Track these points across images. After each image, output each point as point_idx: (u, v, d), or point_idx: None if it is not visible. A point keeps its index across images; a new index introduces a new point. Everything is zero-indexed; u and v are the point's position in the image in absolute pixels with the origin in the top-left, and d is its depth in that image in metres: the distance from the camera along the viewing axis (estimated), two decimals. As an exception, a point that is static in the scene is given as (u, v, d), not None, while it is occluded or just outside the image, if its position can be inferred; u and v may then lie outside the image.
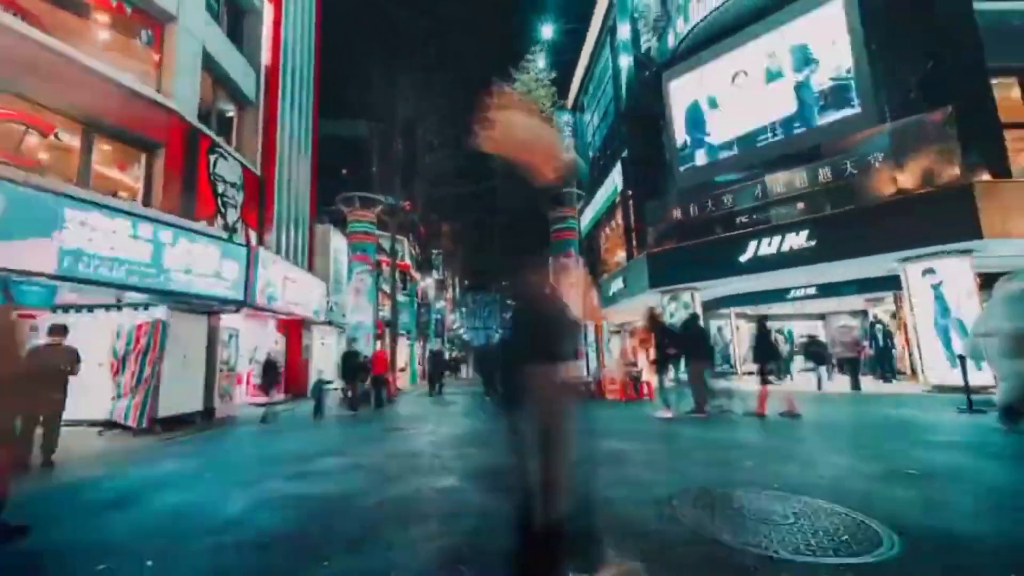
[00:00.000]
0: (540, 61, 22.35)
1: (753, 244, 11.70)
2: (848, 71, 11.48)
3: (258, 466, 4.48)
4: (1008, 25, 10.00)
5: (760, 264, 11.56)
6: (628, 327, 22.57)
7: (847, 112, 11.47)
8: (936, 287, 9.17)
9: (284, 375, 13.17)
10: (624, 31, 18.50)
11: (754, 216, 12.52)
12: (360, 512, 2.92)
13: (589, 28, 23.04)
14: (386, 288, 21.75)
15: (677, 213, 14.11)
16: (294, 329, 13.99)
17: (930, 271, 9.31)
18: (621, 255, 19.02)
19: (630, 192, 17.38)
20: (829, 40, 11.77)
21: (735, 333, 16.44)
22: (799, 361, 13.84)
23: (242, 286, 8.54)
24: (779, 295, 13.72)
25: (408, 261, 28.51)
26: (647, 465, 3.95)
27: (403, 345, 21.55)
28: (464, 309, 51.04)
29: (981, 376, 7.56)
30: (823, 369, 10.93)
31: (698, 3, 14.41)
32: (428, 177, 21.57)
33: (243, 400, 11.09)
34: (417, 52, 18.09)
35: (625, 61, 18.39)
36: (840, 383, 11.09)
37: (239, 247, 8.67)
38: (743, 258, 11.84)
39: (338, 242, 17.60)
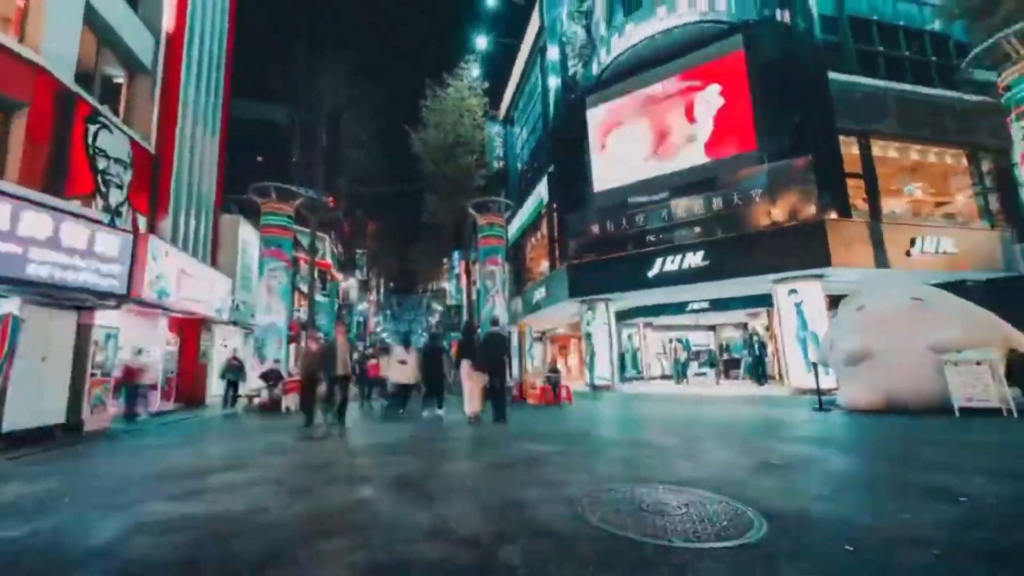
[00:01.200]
0: (474, 70, 22.48)
1: (659, 261, 12.79)
2: (740, 115, 13.03)
3: (138, 486, 3.96)
4: (852, 95, 12.10)
5: (665, 279, 12.66)
6: (550, 334, 23.38)
7: (742, 149, 12.99)
8: (798, 305, 10.74)
9: (176, 381, 11.79)
10: (553, 53, 19.28)
11: (661, 236, 13.67)
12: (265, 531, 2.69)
13: (522, 45, 23.69)
14: (303, 287, 20.35)
15: (596, 228, 14.96)
16: (191, 329, 12.57)
17: (794, 291, 10.88)
18: (545, 264, 19.68)
19: (555, 205, 18.07)
20: (727, 84, 13.26)
21: (643, 341, 17.75)
22: (694, 367, 15.34)
23: (124, 278, 7.47)
24: (679, 308, 15.09)
25: (329, 260, 26.99)
26: (562, 466, 4.13)
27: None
28: (389, 312, 49.09)
29: (829, 380, 8.96)
30: (713, 372, 12.26)
31: (619, 38, 15.48)
32: (354, 173, 20.68)
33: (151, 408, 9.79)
34: (350, 43, 17.39)
35: (553, 82, 19.15)
36: (726, 386, 12.47)
37: (122, 233, 7.58)
38: (651, 273, 12.88)
39: (248, 235, 16.14)
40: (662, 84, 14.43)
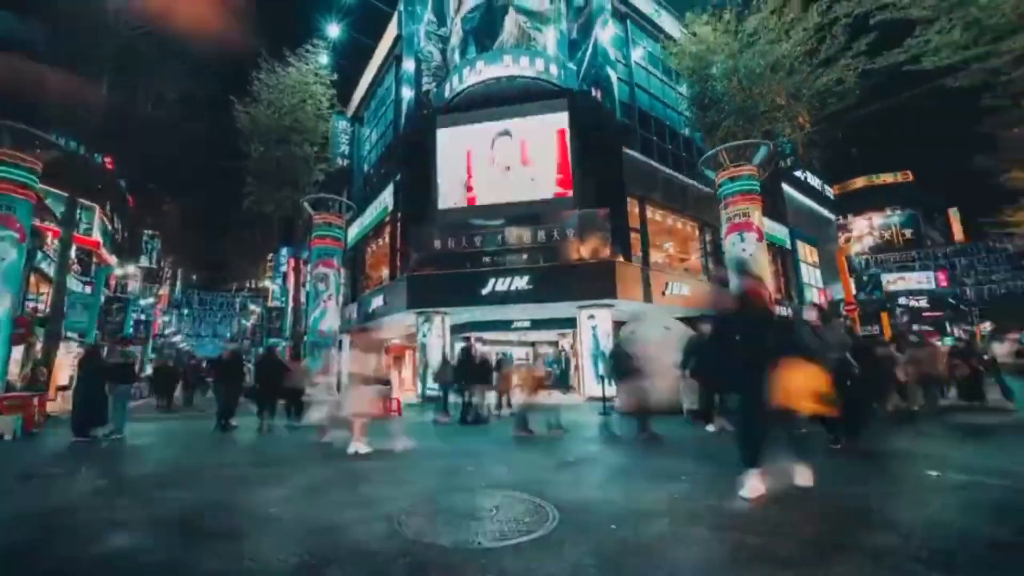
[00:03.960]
0: (323, 58, 20.54)
1: (493, 281, 13.85)
2: (562, 164, 15.16)
3: None
4: (637, 168, 15.51)
5: (496, 298, 13.76)
6: (385, 344, 22.52)
7: (562, 194, 15.07)
8: (594, 328, 13.05)
9: None
10: (409, 65, 19.15)
11: (495, 258, 14.82)
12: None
13: (378, 47, 22.81)
14: (47, 268, 15.19)
15: (438, 243, 15.28)
16: None
17: (591, 316, 13.19)
18: (385, 273, 19.05)
19: (399, 215, 17.77)
20: (554, 136, 15.27)
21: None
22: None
23: None
24: (506, 324, 16.48)
25: (98, 238, 20.60)
26: (385, 482, 4.11)
27: (66, 353, 15.28)
28: (187, 311, 38.82)
29: (611, 390, 11.06)
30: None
31: (471, 71, 16.43)
32: (152, 137, 16.43)
33: None
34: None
35: (407, 92, 18.99)
36: (540, 395, 14.10)
37: None
38: (484, 291, 13.83)
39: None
40: (505, 123, 15.78)
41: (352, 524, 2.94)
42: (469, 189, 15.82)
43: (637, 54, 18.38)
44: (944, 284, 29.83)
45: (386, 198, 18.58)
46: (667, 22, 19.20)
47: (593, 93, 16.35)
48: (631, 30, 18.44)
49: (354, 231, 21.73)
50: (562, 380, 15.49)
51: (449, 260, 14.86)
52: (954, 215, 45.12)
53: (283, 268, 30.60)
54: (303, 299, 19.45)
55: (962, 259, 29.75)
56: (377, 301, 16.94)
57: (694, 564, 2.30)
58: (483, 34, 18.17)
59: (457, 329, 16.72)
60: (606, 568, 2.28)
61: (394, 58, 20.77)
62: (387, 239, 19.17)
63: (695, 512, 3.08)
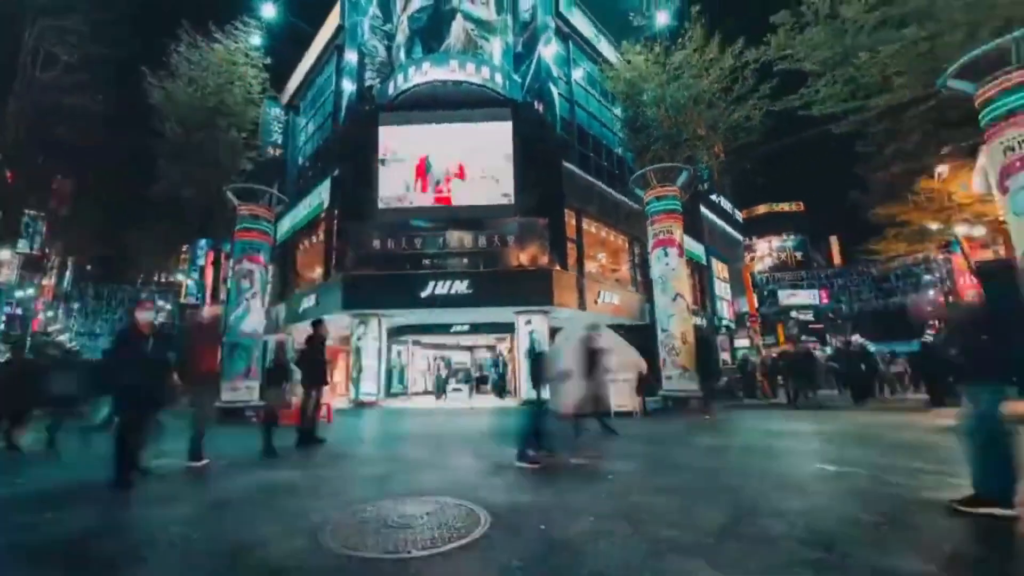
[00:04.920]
0: (255, 39, 18.97)
1: (432, 284, 13.60)
2: (504, 172, 15.35)
3: None
4: (575, 181, 16.14)
5: (435, 301, 13.51)
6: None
7: (504, 201, 15.23)
8: (531, 333, 13.27)
9: None
10: (352, 57, 18.35)
11: (435, 261, 14.59)
12: None
13: (317, 36, 21.57)
14: None
15: (377, 243, 14.73)
16: None
17: (528, 321, 13.43)
18: (318, 272, 17.96)
19: (336, 212, 16.88)
20: (497, 144, 15.39)
21: (411, 358, 18.19)
22: (452, 383, 16.73)
23: None
24: (445, 328, 16.26)
25: (-42, 216, 17.21)
26: (308, 493, 3.89)
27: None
28: (79, 305, 32.71)
29: (545, 393, 11.34)
30: (467, 387, 13.71)
31: (416, 71, 16.14)
32: (43, 103, 14.10)
33: None
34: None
35: (348, 85, 18.17)
36: (477, 399, 14.09)
37: None
38: (423, 294, 13.53)
39: None
40: (450, 126, 15.65)
41: (271, 541, 2.73)
42: (410, 191, 15.45)
43: (577, 74, 19.16)
44: (826, 300, 34.40)
45: (322, 193, 17.57)
46: (605, 47, 20.25)
47: (536, 106, 16.77)
48: (572, 50, 19.19)
49: (285, 226, 20.28)
50: (499, 385, 15.58)
51: (388, 261, 14.37)
52: (834, 242, 52.27)
53: (200, 262, 27.58)
54: (223, 296, 17.70)
55: (839, 280, 34.49)
56: (308, 301, 15.92)
57: (616, 558, 2.43)
58: (430, 36, 17.93)
59: (394, 332, 16.21)
60: (533, 568, 2.34)
61: (335, 48, 19.76)
62: (322, 236, 18.10)
63: (620, 509, 3.25)
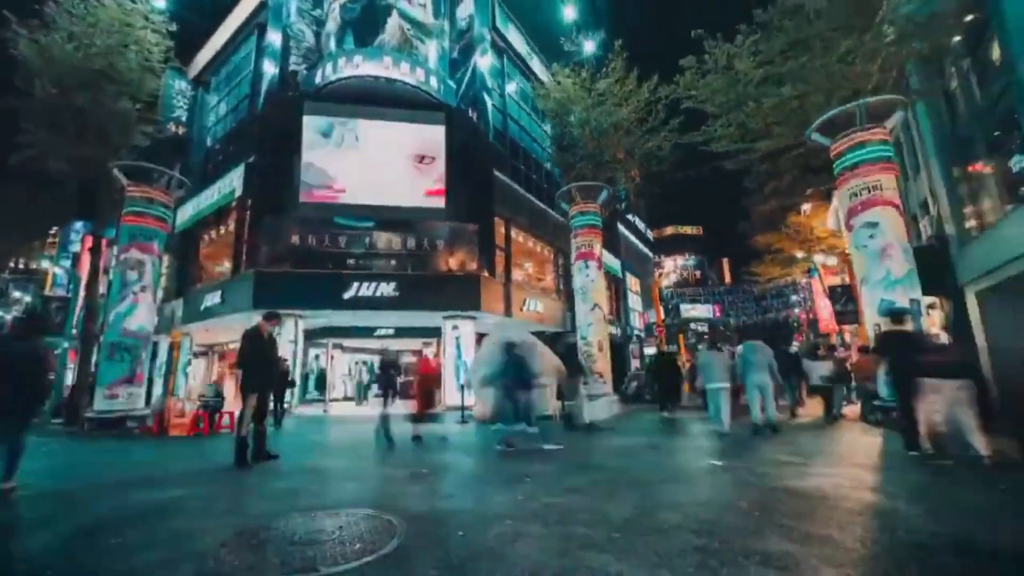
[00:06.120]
0: (159, 1, 16.56)
1: (357, 285, 12.88)
2: (437, 176, 15.11)
3: None
4: (505, 191, 16.41)
5: (360, 303, 12.81)
6: (219, 349, 18.86)
7: (435, 205, 14.94)
8: (457, 338, 13.16)
9: None
10: (275, 38, 16.88)
11: (360, 261, 13.85)
12: None
13: (236, 9, 19.53)
14: None
15: (296, 239, 13.61)
16: None
17: (456, 327, 13.29)
18: (226, 266, 16.07)
19: (250, 202, 15.29)
20: (429, 147, 15.09)
21: (331, 362, 16.96)
22: (375, 388, 15.87)
23: None
24: (369, 331, 15.44)
25: None
26: (203, 512, 3.44)
27: None
28: None
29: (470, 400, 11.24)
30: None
31: (347, 62, 15.33)
32: None
33: None
34: None
35: (270, 68, 16.68)
36: (401, 405, 13.49)
37: None
38: (347, 295, 12.76)
39: None
40: (382, 123, 15.03)
41: (157, 569, 2.39)
42: (336, 185, 14.52)
43: (511, 88, 19.56)
44: (718, 314, 38.87)
45: (234, 180, 15.82)
46: (537, 66, 20.97)
47: (470, 114, 16.79)
48: (507, 65, 19.58)
49: (188, 213, 17.91)
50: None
51: (308, 258, 13.34)
52: (726, 263, 59.44)
53: (74, 247, 23.19)
54: (103, 289, 15.01)
55: (729, 296, 39.25)
56: (213, 298, 14.17)
57: (532, 559, 2.47)
58: (363, 29, 17.13)
59: (313, 335, 15.05)
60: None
61: (257, 26, 18.04)
62: (232, 227, 16.27)
63: (535, 511, 3.32)
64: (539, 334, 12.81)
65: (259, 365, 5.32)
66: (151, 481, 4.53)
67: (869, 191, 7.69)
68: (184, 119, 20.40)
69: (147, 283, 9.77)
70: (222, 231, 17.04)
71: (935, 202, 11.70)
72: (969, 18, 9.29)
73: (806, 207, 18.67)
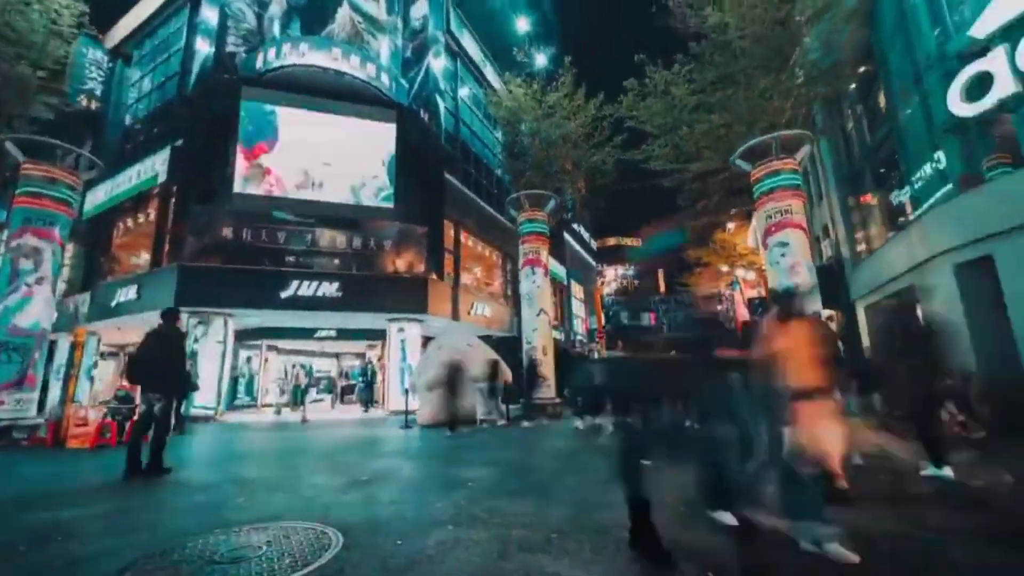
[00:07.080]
0: (71, -40, 14.54)
1: (296, 283, 12.10)
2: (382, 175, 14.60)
3: None
4: (455, 193, 16.31)
5: (298, 303, 12.04)
6: (130, 350, 16.79)
7: (383, 204, 14.46)
8: (403, 341, 12.80)
9: None
10: (211, 15, 15.57)
11: (300, 259, 13.06)
12: None
13: (166, -20, 17.71)
14: None
15: (228, 231, 12.53)
16: None
17: (401, 330, 12.93)
18: (144, 258, 14.42)
19: (175, 188, 13.87)
20: (378, 145, 14.61)
21: (263, 365, 15.77)
22: (312, 393, 15.05)
23: None
24: (308, 333, 14.57)
25: None
26: (106, 532, 3.05)
27: None
28: None
29: (414, 404, 10.98)
30: (331, 397, 12.47)
31: (292, 49, 14.47)
32: None
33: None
34: None
35: (204, 46, 15.36)
36: (341, 410, 12.86)
37: None
38: (284, 294, 11.95)
39: None
40: (329, 116, 14.31)
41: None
42: (275, 177, 13.57)
43: (464, 92, 19.49)
44: (654, 322, 41.19)
45: (157, 164, 14.26)
46: (490, 73, 21.08)
47: (422, 114, 16.48)
48: (460, 69, 19.49)
49: (99, 197, 15.87)
50: (365, 395, 14.52)
51: (242, 254, 12.33)
52: (661, 274, 63.22)
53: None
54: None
55: (663, 305, 41.77)
56: (127, 293, 12.63)
57: (472, 564, 2.47)
58: (311, 16, 16.29)
59: (245, 335, 13.93)
60: (388, 586, 2.23)
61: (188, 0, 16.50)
62: (153, 216, 14.65)
63: (477, 515, 3.32)
64: (486, 338, 12.84)
65: (161, 365, 4.84)
66: (46, 498, 3.95)
67: (782, 214, 8.57)
68: (98, 93, 18.12)
69: (44, 274, 8.51)
70: (141, 219, 15.27)
71: (834, 227, 13.33)
72: (862, 69, 10.73)
73: (731, 225, 20.46)
